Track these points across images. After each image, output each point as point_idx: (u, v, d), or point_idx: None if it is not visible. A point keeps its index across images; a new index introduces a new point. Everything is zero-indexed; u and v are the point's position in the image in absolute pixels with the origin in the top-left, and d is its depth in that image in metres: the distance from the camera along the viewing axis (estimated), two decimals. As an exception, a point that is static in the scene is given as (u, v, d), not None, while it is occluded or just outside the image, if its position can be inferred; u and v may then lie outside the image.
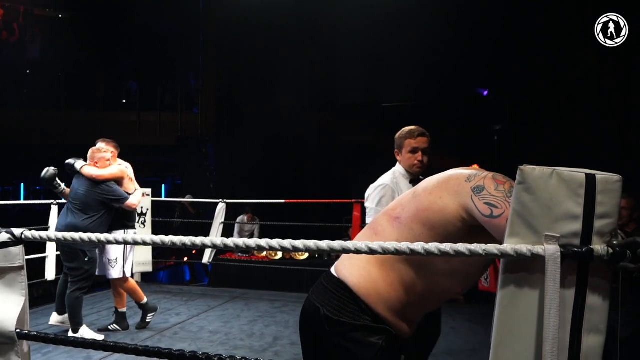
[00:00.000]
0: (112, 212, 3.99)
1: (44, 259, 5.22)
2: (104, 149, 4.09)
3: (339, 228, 6.95)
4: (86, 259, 3.86)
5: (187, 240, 1.26)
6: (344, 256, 1.42)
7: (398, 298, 1.33)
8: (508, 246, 1.03)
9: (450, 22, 8.63)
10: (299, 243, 1.18)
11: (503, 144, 8.93)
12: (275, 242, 1.20)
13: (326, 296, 1.36)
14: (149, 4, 12.42)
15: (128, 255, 4.19)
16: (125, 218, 4.13)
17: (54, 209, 5.17)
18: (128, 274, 4.19)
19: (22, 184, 15.38)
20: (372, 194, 2.34)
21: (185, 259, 8.88)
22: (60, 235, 1.27)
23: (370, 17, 9.03)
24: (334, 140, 10.20)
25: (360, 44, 9.46)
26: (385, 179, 2.40)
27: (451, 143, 7.66)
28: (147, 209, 6.05)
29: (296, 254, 6.49)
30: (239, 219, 7.76)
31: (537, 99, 8.35)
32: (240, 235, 7.77)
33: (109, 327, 4.22)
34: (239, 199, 6.71)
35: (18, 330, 1.33)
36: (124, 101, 14.12)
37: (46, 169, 4.05)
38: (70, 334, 3.90)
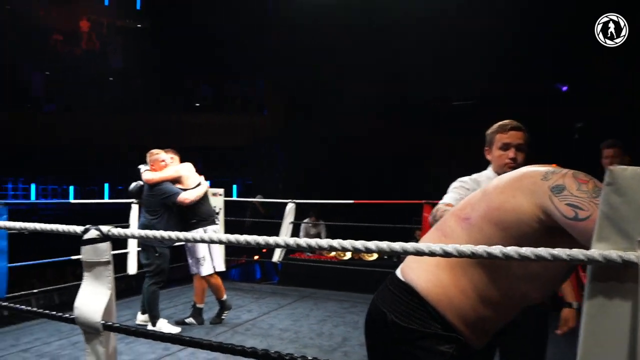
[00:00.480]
0: (173, 211, 4.23)
1: (126, 254, 5.54)
2: (155, 151, 4.35)
3: (407, 229, 6.84)
4: (156, 254, 4.15)
5: (261, 239, 1.29)
6: (409, 258, 1.37)
7: (470, 305, 1.25)
8: (596, 252, 0.96)
9: (525, 12, 8.25)
10: (372, 244, 1.16)
11: (584, 143, 8.44)
12: (348, 243, 1.19)
13: (393, 301, 1.31)
14: (221, 10, 12.85)
15: (213, 252, 4.36)
16: (197, 216, 4.28)
17: (134, 209, 5.46)
18: (218, 268, 4.39)
19: (107, 184, 16.41)
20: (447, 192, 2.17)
21: (256, 257, 9.08)
22: (142, 232, 1.34)
23: (437, 13, 8.83)
24: (404, 139, 10.07)
25: (428, 42, 9.28)
26: (466, 177, 2.13)
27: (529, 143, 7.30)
28: (220, 209, 6.24)
29: (365, 255, 6.46)
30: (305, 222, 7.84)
31: (625, 95, 7.81)
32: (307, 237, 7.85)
33: (185, 320, 4.40)
34: (307, 199, 6.77)
35: (103, 322, 1.41)
36: (197, 105, 14.72)
37: (134, 184, 4.41)
38: (149, 327, 4.12)
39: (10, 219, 4.17)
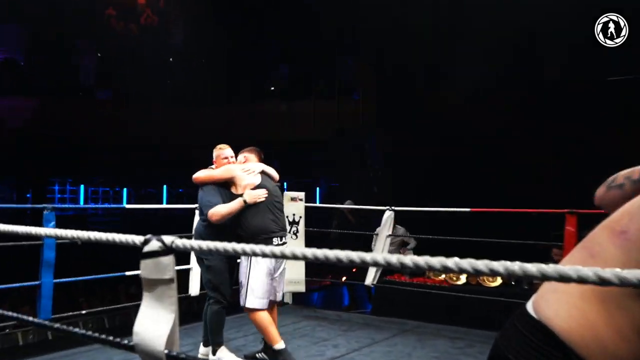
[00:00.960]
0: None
1: (187, 271, 5.79)
2: (221, 146, 4.55)
3: (542, 247, 6.57)
4: (206, 267, 4.30)
5: (353, 255, 1.29)
6: (545, 288, 1.32)
7: (631, 351, 1.17)
8: None
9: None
10: (498, 265, 1.13)
11: None
12: (467, 263, 1.17)
13: (522, 344, 1.26)
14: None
15: (250, 279, 4.22)
16: (243, 231, 4.25)
17: (197, 214, 5.70)
18: (256, 305, 4.20)
19: (165, 186, 17.32)
20: None
21: (344, 278, 9.15)
22: (211, 245, 1.39)
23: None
24: (538, 130, 9.69)
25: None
26: None
27: None
28: (300, 217, 6.38)
29: (486, 279, 6.30)
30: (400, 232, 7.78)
31: None
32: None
33: (257, 355, 4.53)
34: (409, 206, 6.69)
35: (167, 351, 1.49)
36: (272, 89, 15.10)
37: None
38: (211, 356, 4.29)
39: (57, 226, 4.52)
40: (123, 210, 14.96)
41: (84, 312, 6.09)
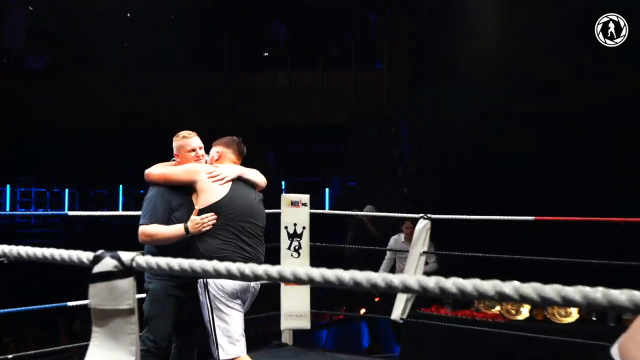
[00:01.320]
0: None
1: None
2: (184, 134, 4.50)
3: (635, 268, 6.55)
4: (146, 293, 4.34)
5: (375, 278, 1.29)
6: (638, 326, 1.37)
7: None
8: None
9: None
10: (574, 293, 1.13)
11: None
12: (531, 289, 1.17)
13: None
14: None
15: (217, 321, 4.17)
16: (201, 254, 4.21)
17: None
18: (235, 352, 4.19)
19: (121, 186, 17.35)
20: None
21: (362, 311, 9.16)
22: (185, 264, 1.40)
23: None
24: (618, 109, 9.64)
25: None
26: None
27: None
28: (303, 228, 6.36)
29: (556, 312, 6.29)
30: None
31: None
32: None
33: None
34: (449, 213, 6.65)
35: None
36: (266, 55, 15.07)
37: None
38: None
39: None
40: (65, 218, 15.01)
41: (10, 357, 6.09)
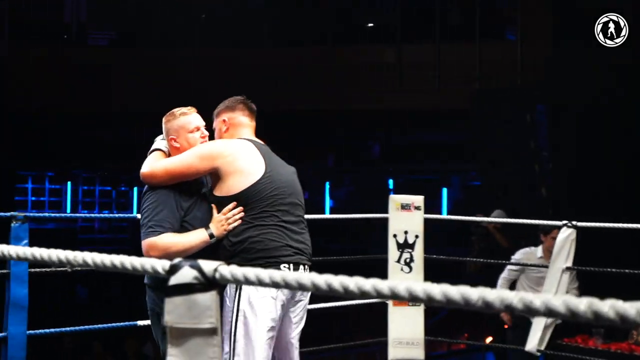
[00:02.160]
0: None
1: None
2: (181, 111, 4.16)
3: None
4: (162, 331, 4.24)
5: (514, 298, 1.27)
6: None
7: None
8: None
9: None
10: None
11: None
12: None
13: None
14: None
15: (237, 342, 3.93)
16: (229, 252, 4.03)
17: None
18: None
19: (137, 189, 17.59)
20: None
21: (489, 339, 9.08)
22: (277, 276, 1.40)
23: None
24: None
25: None
26: None
27: None
28: (416, 237, 6.30)
29: None
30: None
31: None
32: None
33: None
34: (597, 220, 6.50)
35: None
36: (370, 25, 15.05)
37: None
38: None
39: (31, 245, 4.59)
40: (134, 222, 15.28)
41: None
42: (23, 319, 4.78)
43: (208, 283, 1.47)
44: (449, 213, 16.00)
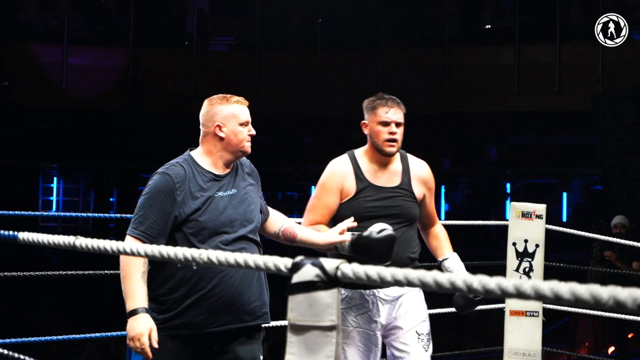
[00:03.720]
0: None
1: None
2: (234, 98, 3.79)
3: None
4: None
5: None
6: None
7: None
8: None
9: None
10: None
11: None
12: None
13: None
14: None
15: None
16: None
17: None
18: None
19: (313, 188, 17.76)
20: None
21: (611, 349, 8.90)
22: (400, 274, 1.42)
23: None
24: None
25: None
26: None
27: None
28: (537, 245, 6.18)
29: None
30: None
31: None
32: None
33: None
34: None
35: None
36: (488, 26, 14.93)
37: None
38: None
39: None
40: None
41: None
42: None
43: (330, 281, 1.50)
44: (568, 218, 15.75)
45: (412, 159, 4.41)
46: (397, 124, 4.17)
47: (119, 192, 17.30)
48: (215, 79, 13.79)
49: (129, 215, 3.90)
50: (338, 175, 4.20)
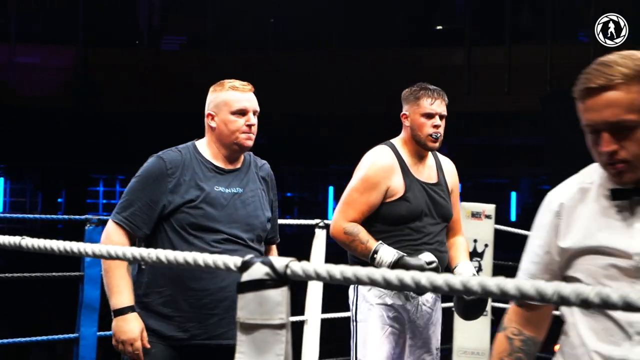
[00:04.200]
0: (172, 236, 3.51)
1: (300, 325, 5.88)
2: (234, 84, 3.48)
3: None
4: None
5: (592, 291, 1.26)
6: None
7: None
8: None
9: None
10: None
11: None
12: None
13: None
14: None
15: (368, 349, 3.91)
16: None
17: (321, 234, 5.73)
18: None
19: (331, 189, 17.57)
20: None
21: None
22: (359, 271, 1.41)
23: None
24: None
25: None
26: None
27: None
28: (486, 245, 6.21)
29: None
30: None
31: None
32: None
33: None
34: None
35: None
36: (439, 28, 15.00)
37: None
38: None
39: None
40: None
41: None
42: (94, 321, 4.91)
43: (279, 279, 1.51)
44: (517, 218, 15.85)
45: (439, 154, 4.24)
46: (442, 117, 4.00)
47: (68, 192, 17.13)
48: (166, 78, 13.70)
49: (76, 217, 3.89)
50: (385, 170, 3.92)
